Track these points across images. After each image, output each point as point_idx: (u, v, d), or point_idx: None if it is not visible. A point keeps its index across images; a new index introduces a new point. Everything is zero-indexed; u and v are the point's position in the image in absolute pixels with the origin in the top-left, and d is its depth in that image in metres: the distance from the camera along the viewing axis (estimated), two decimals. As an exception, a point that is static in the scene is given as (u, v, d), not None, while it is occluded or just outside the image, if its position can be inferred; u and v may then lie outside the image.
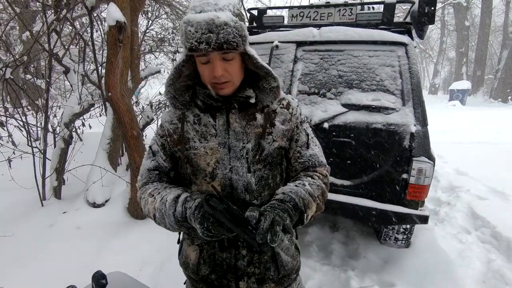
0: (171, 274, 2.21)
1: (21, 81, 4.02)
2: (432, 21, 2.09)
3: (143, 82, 5.56)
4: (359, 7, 2.61)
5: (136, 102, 4.18)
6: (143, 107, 4.09)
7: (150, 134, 4.40)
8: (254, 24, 3.02)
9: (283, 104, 0.98)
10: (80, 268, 2.22)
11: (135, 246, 2.49)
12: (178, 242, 1.11)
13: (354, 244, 2.83)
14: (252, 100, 0.92)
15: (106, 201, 2.96)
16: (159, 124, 1.05)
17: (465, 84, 14.82)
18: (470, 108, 12.69)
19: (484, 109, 11.83)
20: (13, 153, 2.24)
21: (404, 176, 2.09)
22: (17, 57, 2.72)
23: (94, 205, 2.89)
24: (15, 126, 2.50)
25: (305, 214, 0.85)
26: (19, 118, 2.62)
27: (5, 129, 2.36)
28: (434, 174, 3.32)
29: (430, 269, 2.41)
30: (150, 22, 5.10)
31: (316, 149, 1.01)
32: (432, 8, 2.04)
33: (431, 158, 2.04)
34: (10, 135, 2.39)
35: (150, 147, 1.03)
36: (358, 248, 2.76)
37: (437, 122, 7.86)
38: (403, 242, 2.65)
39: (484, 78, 17.25)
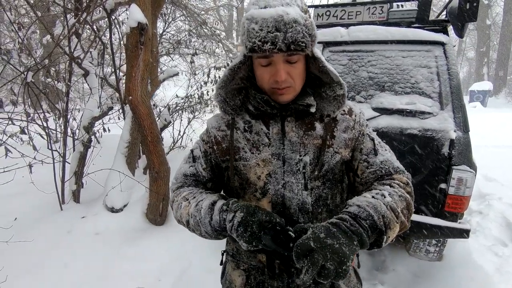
0: (192, 285, 2.13)
1: (41, 84, 4.04)
2: (474, 18, 1.94)
3: (158, 84, 5.54)
4: (389, 4, 2.46)
5: (154, 105, 4.14)
6: (160, 110, 4.05)
7: (166, 137, 4.36)
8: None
9: (344, 111, 0.86)
10: (99, 276, 2.16)
11: (153, 254, 2.42)
12: (221, 264, 1.00)
13: (381, 255, 2.67)
14: (313, 109, 0.81)
15: (125, 206, 2.92)
16: (204, 128, 0.96)
17: (486, 85, 14.27)
18: (492, 110, 12.17)
19: (507, 111, 11.32)
20: (34, 158, 2.20)
21: (443, 186, 1.94)
22: (38, 60, 2.70)
23: (113, 210, 2.84)
24: (34, 132, 2.47)
25: (385, 236, 0.68)
26: (39, 123, 2.60)
27: (27, 132, 2.34)
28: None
29: (466, 285, 2.24)
30: (167, 24, 5.08)
31: (387, 154, 0.84)
32: (475, 4, 1.89)
33: (472, 166, 1.89)
34: (31, 139, 2.37)
35: (192, 150, 0.94)
36: (385, 260, 2.61)
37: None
38: (435, 254, 2.49)
39: (506, 78, 16.58)
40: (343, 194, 0.88)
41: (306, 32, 0.69)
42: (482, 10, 16.38)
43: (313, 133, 0.81)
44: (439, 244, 2.42)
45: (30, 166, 2.08)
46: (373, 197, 0.72)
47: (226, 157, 0.86)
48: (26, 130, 2.16)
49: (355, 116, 0.86)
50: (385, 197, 0.71)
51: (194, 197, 0.84)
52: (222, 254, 0.98)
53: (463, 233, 1.91)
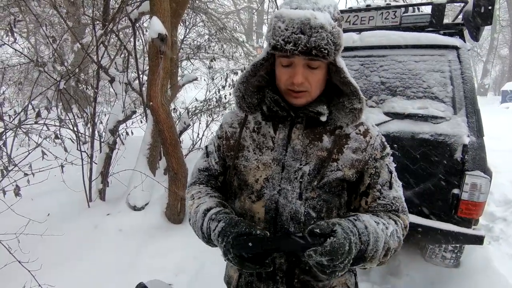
0: (206, 283, 2.23)
1: (72, 89, 4.34)
2: (490, 22, 1.90)
3: (179, 87, 5.76)
4: (403, 9, 2.45)
5: (174, 109, 4.33)
6: (180, 113, 4.23)
7: (186, 139, 4.53)
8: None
9: (359, 130, 0.84)
10: (122, 269, 2.33)
11: (171, 251, 2.56)
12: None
13: (396, 260, 2.65)
14: (323, 118, 0.81)
15: (146, 204, 3.09)
16: (219, 124, 1.00)
17: (520, 85, 13.46)
18: (527, 111, 11.43)
19: (543, 112, 10.61)
20: (65, 159, 2.41)
21: (455, 191, 1.92)
22: (70, 68, 2.95)
23: (135, 208, 3.02)
24: (65, 137, 2.70)
25: (361, 264, 0.70)
26: (70, 127, 2.83)
27: (59, 136, 2.56)
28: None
29: (484, 293, 2.18)
30: (188, 30, 5.27)
31: (400, 191, 0.84)
32: (489, 7, 1.85)
33: (487, 172, 1.86)
34: (63, 142, 2.59)
35: (206, 146, 1.00)
36: (400, 265, 2.58)
37: (487, 126, 7.06)
38: (452, 261, 2.44)
39: (543, 77, 15.51)
40: (340, 209, 0.86)
41: (331, 39, 0.68)
42: (516, 5, 15.42)
43: (319, 144, 0.81)
44: (456, 251, 2.37)
45: (62, 166, 2.29)
46: (377, 223, 0.74)
47: (231, 153, 0.89)
48: (58, 134, 2.37)
49: (370, 138, 0.83)
50: (387, 234, 0.73)
51: (199, 198, 0.88)
52: None
53: (476, 240, 1.88)
